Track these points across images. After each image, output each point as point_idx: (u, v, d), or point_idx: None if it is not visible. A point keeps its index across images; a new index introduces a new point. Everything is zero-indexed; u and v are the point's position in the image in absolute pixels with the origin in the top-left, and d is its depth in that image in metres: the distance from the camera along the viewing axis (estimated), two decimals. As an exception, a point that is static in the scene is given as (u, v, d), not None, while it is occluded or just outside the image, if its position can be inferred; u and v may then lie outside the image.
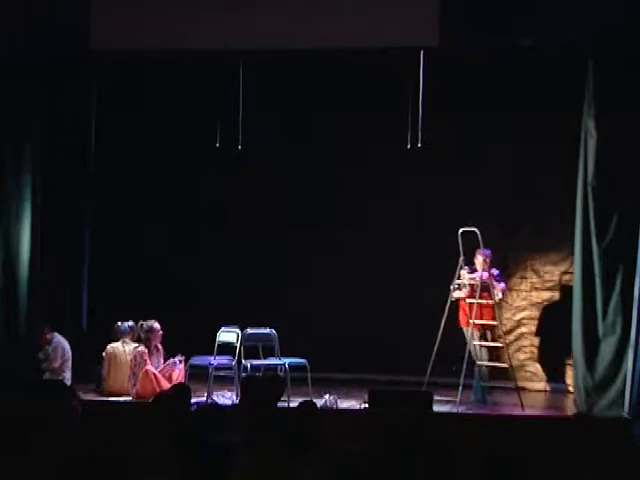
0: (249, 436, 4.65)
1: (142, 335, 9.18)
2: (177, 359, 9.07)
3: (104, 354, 9.43)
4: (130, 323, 9.48)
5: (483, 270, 9.28)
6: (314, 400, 8.04)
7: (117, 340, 9.48)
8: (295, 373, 9.14)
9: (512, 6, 8.40)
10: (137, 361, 9.01)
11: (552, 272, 10.47)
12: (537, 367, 10.34)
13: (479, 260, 9.31)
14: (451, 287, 9.25)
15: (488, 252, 9.31)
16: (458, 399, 8.74)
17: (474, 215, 9.50)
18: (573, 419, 7.65)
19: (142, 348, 9.07)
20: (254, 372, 9.07)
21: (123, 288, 10.51)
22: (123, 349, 9.42)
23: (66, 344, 9.49)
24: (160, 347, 9.22)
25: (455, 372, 8.83)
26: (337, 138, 10.65)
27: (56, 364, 9.35)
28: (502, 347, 9.15)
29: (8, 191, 9.57)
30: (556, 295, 10.41)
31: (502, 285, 9.42)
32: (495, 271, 9.39)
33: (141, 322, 9.23)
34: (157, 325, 9.17)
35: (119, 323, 9.51)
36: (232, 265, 10.88)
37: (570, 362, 8.99)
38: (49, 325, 9.56)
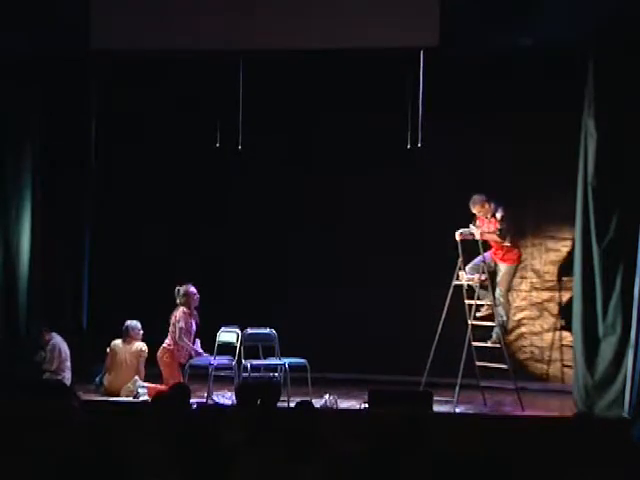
0: (249, 436, 4.66)
1: (180, 300, 9.27)
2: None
3: (108, 349, 9.45)
4: (133, 322, 9.47)
5: (486, 217, 9.32)
6: (314, 400, 8.09)
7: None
8: (295, 373, 9.15)
9: (512, 6, 8.39)
10: (180, 319, 9.13)
11: (552, 272, 10.47)
12: (537, 367, 10.33)
13: (477, 209, 9.33)
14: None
15: (481, 197, 9.32)
16: (455, 399, 8.74)
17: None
18: (573, 419, 7.65)
19: (184, 309, 9.19)
20: (254, 372, 9.08)
21: (123, 288, 10.51)
22: (123, 347, 9.42)
23: (63, 345, 9.48)
24: (195, 313, 9.32)
25: None
26: (337, 138, 10.64)
27: (52, 367, 9.33)
28: (501, 347, 9.14)
29: (8, 191, 9.58)
30: (556, 295, 10.41)
31: (499, 212, 9.37)
32: (500, 213, 9.36)
33: (177, 287, 9.31)
34: (193, 289, 9.27)
35: (127, 321, 9.50)
36: (232, 265, 10.88)
37: (570, 362, 8.98)
38: (47, 326, 9.55)
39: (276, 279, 10.75)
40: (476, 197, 9.39)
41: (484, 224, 9.41)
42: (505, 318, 9.49)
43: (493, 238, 9.41)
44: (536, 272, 10.51)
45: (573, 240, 8.94)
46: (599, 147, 8.50)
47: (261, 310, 9.98)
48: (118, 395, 9.14)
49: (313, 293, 10.62)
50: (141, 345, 9.41)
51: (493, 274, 9.54)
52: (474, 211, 9.40)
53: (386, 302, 10.42)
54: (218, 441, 4.45)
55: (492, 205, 9.41)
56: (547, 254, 10.48)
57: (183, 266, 10.69)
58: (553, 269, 10.46)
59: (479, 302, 9.28)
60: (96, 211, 10.72)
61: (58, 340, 9.47)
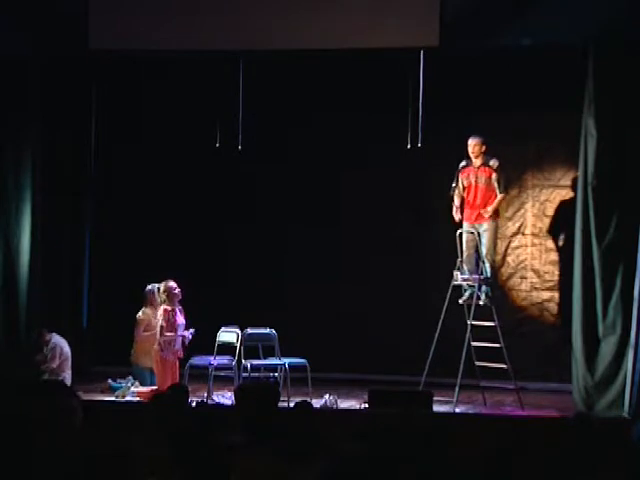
0: (248, 437, 4.65)
1: (161, 298, 9.10)
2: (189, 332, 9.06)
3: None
4: (148, 287, 9.54)
5: (477, 157, 9.23)
6: (314, 400, 8.10)
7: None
8: (295, 373, 9.15)
9: (512, 6, 8.40)
10: (160, 318, 8.99)
11: (552, 272, 10.46)
12: (537, 367, 10.31)
13: (474, 143, 9.25)
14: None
15: (478, 138, 9.26)
16: (455, 399, 8.74)
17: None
18: (573, 419, 7.65)
19: (165, 306, 9.02)
20: (254, 372, 9.08)
21: (123, 288, 10.50)
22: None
23: (64, 344, 9.47)
24: (181, 307, 9.14)
25: None
26: (337, 138, 10.64)
27: (54, 364, 9.32)
28: (501, 347, 9.13)
29: (8, 191, 9.57)
30: (556, 295, 10.41)
31: (494, 161, 9.27)
32: (495, 162, 9.27)
33: (157, 286, 9.23)
34: (172, 283, 9.06)
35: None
36: (232, 265, 10.88)
37: (570, 362, 8.99)
38: (46, 327, 9.52)
39: (276, 279, 10.74)
40: (476, 138, 9.30)
41: (470, 174, 9.28)
42: (490, 275, 9.36)
43: (490, 205, 9.25)
44: (536, 272, 10.51)
45: (573, 240, 8.93)
46: (599, 147, 8.51)
47: (261, 310, 9.98)
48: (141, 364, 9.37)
49: (313, 293, 10.62)
50: (140, 312, 9.60)
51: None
52: (470, 145, 9.26)
53: (386, 302, 10.42)
54: (218, 441, 4.45)
55: (485, 152, 9.29)
56: (547, 254, 10.48)
57: (183, 266, 10.69)
58: (553, 269, 10.46)
59: (479, 302, 9.25)
60: (96, 211, 10.72)
61: (59, 340, 9.46)
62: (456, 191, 9.37)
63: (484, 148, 9.27)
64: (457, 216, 9.36)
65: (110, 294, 10.60)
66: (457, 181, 9.37)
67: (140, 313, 9.65)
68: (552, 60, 9.34)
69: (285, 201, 10.85)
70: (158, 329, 9.00)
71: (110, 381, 9.39)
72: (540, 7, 8.29)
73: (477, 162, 9.27)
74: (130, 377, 9.34)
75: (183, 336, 8.98)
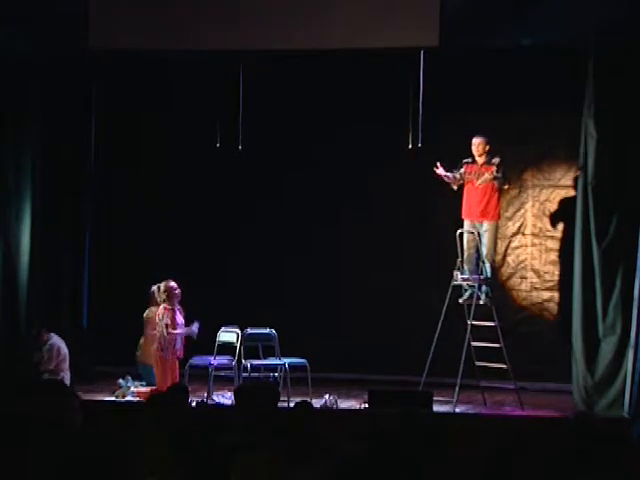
0: (248, 437, 4.65)
1: (161, 297, 9.03)
2: (194, 326, 8.99)
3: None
4: (154, 287, 9.48)
5: (480, 155, 9.25)
6: (314, 400, 8.10)
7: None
8: (295, 373, 9.15)
9: (512, 6, 8.40)
10: (163, 316, 8.91)
11: (552, 272, 10.47)
12: (537, 367, 10.32)
13: (478, 143, 9.26)
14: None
15: (482, 138, 9.27)
16: (455, 399, 8.74)
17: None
18: (573, 419, 7.66)
19: (165, 305, 8.95)
20: (254, 372, 9.08)
21: (123, 288, 10.51)
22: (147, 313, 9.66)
23: (62, 344, 9.43)
24: (180, 307, 9.08)
25: None
26: (337, 138, 10.64)
27: (51, 365, 9.29)
28: (501, 347, 9.14)
29: (8, 191, 9.58)
30: (556, 295, 10.41)
31: (496, 158, 9.29)
32: (497, 159, 9.28)
33: (157, 285, 9.18)
34: (173, 283, 9.01)
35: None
36: (232, 265, 10.87)
37: (570, 362, 8.99)
38: (45, 327, 9.50)
39: (276, 279, 10.74)
40: (480, 137, 9.32)
41: (473, 171, 9.27)
42: (490, 275, 9.35)
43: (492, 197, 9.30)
44: (536, 272, 10.51)
45: (573, 240, 8.93)
46: (599, 147, 8.51)
47: (261, 310, 9.98)
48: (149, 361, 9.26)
49: (313, 293, 10.62)
50: (147, 310, 9.59)
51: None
52: (474, 144, 9.28)
53: (387, 302, 10.42)
54: (218, 441, 4.45)
55: (489, 151, 9.30)
56: (547, 254, 10.49)
57: (183, 266, 10.69)
58: (553, 269, 10.46)
59: (479, 302, 9.25)
60: (96, 211, 10.72)
61: (56, 340, 9.44)
62: (457, 175, 9.33)
63: (488, 147, 9.28)
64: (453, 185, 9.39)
65: (110, 294, 10.60)
66: (460, 169, 9.32)
67: (147, 312, 9.66)
68: (552, 60, 9.35)
69: (285, 201, 10.84)
70: (163, 327, 8.95)
71: (121, 381, 9.35)
72: (540, 7, 8.29)
73: (480, 161, 9.28)
74: (129, 377, 9.32)
75: (191, 331, 8.96)
